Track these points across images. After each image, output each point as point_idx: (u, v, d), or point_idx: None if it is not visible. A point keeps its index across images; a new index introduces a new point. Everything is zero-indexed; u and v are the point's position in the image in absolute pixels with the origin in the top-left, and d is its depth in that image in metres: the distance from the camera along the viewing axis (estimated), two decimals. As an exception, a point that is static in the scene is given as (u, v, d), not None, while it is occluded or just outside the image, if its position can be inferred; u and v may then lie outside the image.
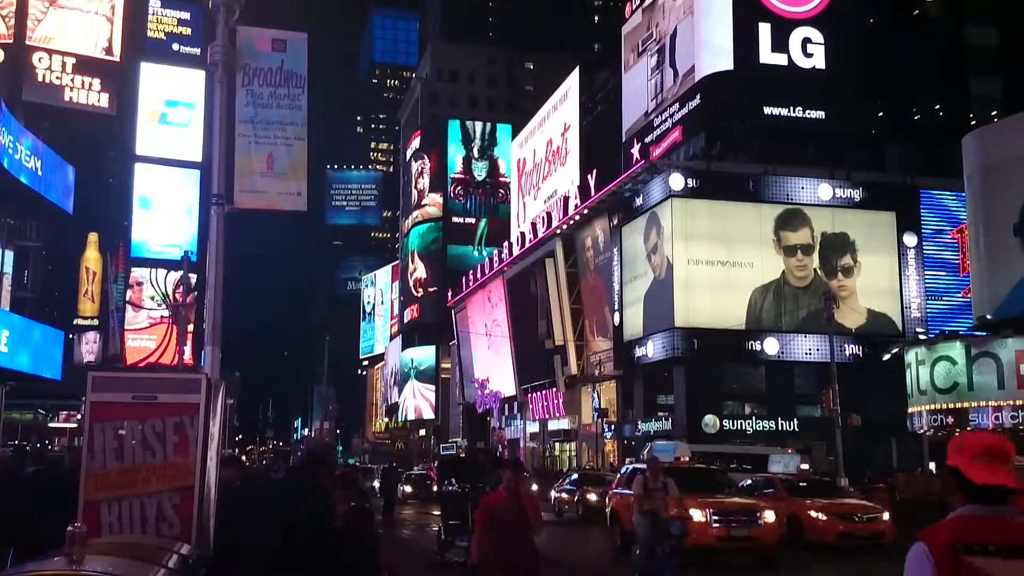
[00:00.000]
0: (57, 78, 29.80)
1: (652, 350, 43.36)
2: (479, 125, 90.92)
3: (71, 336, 48.26)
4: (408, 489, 40.06)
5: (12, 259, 29.47)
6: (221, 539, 6.05)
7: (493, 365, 65.96)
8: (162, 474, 5.80)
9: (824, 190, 43.58)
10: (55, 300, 59.06)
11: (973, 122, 50.68)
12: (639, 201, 45.56)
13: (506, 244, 64.26)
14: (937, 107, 60.25)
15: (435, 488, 32.91)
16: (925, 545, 2.98)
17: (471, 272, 72.18)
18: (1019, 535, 2.93)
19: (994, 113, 53.55)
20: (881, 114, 57.26)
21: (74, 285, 55.15)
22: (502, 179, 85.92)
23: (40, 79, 29.52)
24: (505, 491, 7.70)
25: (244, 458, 42.65)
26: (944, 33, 58.52)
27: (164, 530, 5.74)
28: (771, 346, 41.37)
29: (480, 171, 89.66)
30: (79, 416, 50.93)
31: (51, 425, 63.35)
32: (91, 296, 55.11)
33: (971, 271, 35.15)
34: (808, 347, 41.27)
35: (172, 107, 47.27)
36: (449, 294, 76.65)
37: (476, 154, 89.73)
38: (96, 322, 56.20)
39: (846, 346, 40.78)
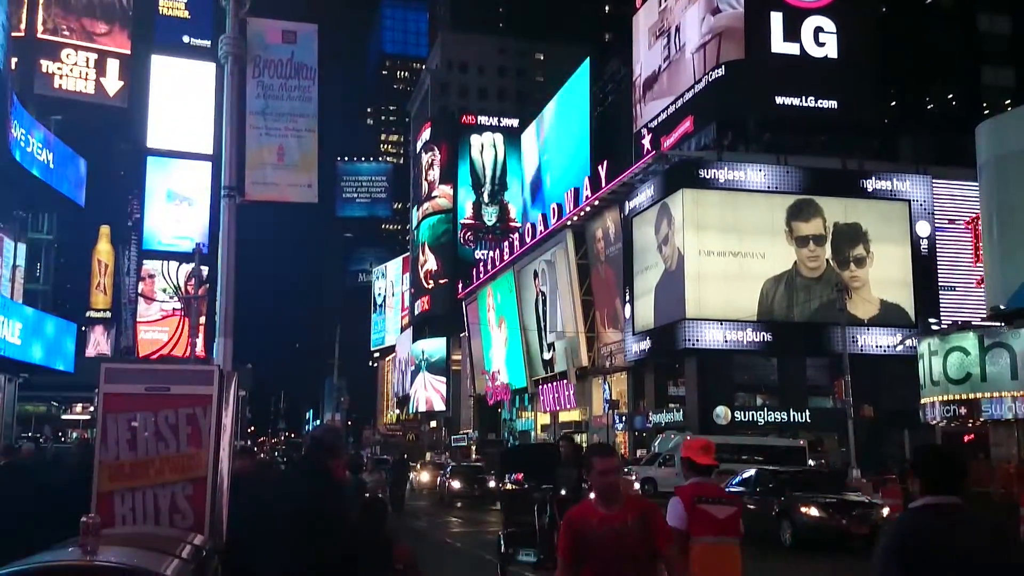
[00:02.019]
0: (69, 71, 29.92)
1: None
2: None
3: (83, 328, 48.49)
4: (456, 485, 32.58)
5: (25, 252, 29.65)
6: (234, 530, 6.06)
7: (504, 356, 65.96)
8: (175, 465, 5.81)
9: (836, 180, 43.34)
10: (67, 293, 59.24)
11: (986, 111, 50.26)
12: (650, 191, 45.44)
13: (516, 236, 64.15)
14: (950, 96, 59.82)
15: (492, 484, 29.80)
16: (679, 497, 5.45)
17: (481, 264, 72.14)
18: (718, 492, 5.78)
19: (1008, 102, 53.13)
20: (894, 103, 56.86)
21: (86, 278, 55.33)
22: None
23: (51, 72, 29.65)
24: (598, 498, 4.47)
25: (256, 449, 42.75)
26: (957, 22, 58.09)
27: (177, 521, 5.75)
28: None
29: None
30: (92, 408, 51.20)
31: (64, 417, 63.73)
32: (103, 288, 55.34)
33: (984, 261, 34.88)
34: (813, 338, 41.14)
35: (183, 100, 47.45)
36: (460, 286, 76.65)
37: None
38: (108, 314, 56.47)
39: (858, 336, 40.65)
